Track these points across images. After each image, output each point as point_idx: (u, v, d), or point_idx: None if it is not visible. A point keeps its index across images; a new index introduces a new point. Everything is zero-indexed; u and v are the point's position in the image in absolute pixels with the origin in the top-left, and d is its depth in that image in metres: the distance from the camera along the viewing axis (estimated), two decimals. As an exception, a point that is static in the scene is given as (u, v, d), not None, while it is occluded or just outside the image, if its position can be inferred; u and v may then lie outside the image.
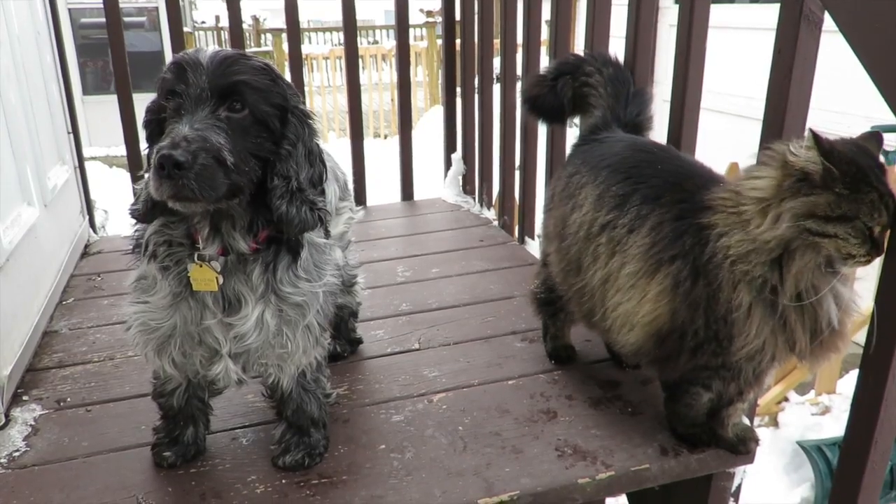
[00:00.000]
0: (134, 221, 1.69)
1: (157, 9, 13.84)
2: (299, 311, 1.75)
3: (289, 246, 1.73)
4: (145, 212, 1.63)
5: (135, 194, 1.67)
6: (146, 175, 1.58)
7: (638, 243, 1.70)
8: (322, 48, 15.46)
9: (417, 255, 3.45)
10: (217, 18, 20.47)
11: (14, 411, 2.28)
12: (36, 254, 2.77)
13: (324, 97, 13.11)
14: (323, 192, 2.00)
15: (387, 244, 3.61)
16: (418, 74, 13.60)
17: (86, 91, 13.08)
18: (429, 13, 15.28)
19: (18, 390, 2.41)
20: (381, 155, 7.22)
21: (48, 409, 2.31)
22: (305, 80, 12.63)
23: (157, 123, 1.61)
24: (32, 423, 2.24)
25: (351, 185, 4.46)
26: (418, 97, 13.17)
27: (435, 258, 3.41)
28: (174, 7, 3.74)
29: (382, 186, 5.22)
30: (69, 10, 12.83)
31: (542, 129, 3.51)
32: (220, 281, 1.66)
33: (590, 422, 2.12)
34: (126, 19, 12.57)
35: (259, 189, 1.59)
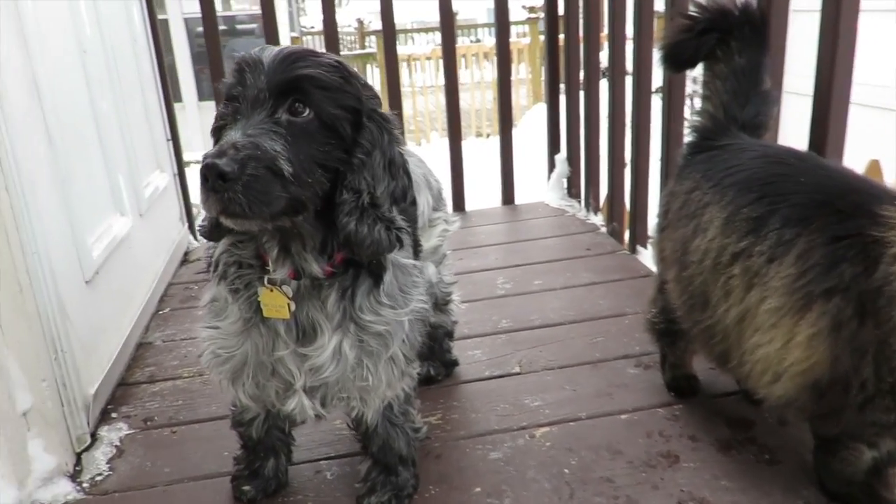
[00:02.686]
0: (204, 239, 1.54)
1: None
2: (381, 341, 1.54)
3: (369, 268, 1.54)
4: (210, 229, 1.48)
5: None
6: None
7: (781, 274, 1.41)
8: (424, 48, 15.44)
9: (518, 266, 3.26)
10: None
11: (101, 430, 2.22)
12: (129, 264, 2.73)
13: (426, 97, 13.06)
14: (412, 206, 1.80)
15: (486, 253, 3.41)
16: (520, 72, 13.33)
17: (201, 97, 13.58)
18: (531, 9, 15.00)
19: (108, 406, 2.35)
20: (483, 155, 6.99)
21: (135, 429, 2.23)
22: (408, 80, 12.63)
23: (219, 132, 1.46)
24: (118, 443, 2.17)
25: (448, 193, 4.30)
26: (521, 94, 12.89)
27: (537, 269, 3.22)
28: (270, 14, 3.65)
29: (483, 189, 5.01)
30: (185, 19, 13.34)
31: (655, 125, 3.20)
32: (293, 307, 1.49)
33: (718, 469, 1.83)
34: (238, 26, 12.94)
35: (330, 205, 1.42)
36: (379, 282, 1.57)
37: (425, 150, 10.50)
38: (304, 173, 1.30)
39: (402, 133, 1.59)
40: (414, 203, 2.01)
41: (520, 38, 13.91)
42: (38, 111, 2.06)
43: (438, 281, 2.22)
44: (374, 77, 12.82)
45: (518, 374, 2.40)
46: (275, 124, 1.32)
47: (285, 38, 11.90)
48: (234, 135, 1.29)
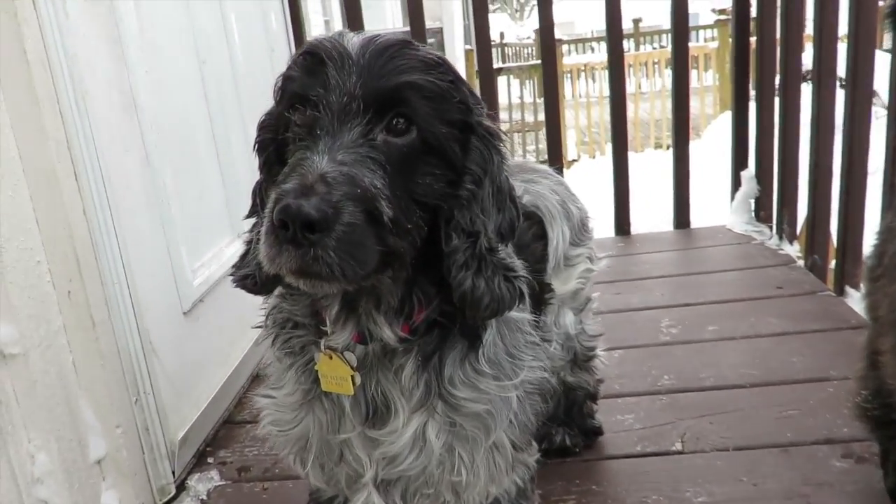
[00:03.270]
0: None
1: (441, 30, 14.30)
2: (480, 423, 1.22)
3: (462, 328, 1.16)
4: (256, 283, 1.16)
5: (245, 252, 1.21)
6: (259, 228, 1.11)
7: None
8: (601, 56, 14.83)
9: (689, 305, 2.81)
10: (501, 35, 20.87)
11: (191, 479, 2.01)
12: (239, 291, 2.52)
13: (602, 107, 12.49)
14: (536, 242, 1.40)
15: (650, 287, 2.94)
16: (706, 79, 12.39)
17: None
18: (721, 11, 13.99)
19: (206, 448, 2.14)
20: (662, 169, 6.35)
21: (226, 480, 2.01)
22: (583, 90, 12.12)
23: (275, 147, 1.14)
24: (204, 496, 1.94)
25: (610, 212, 3.80)
26: (706, 102, 11.96)
27: (713, 310, 2.75)
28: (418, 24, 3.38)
29: (656, 209, 4.43)
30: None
31: (876, 134, 2.55)
32: (358, 380, 1.17)
33: None
34: (410, 39, 13.11)
35: (421, 250, 1.11)
36: (477, 344, 1.21)
37: (599, 164, 9.94)
38: (403, 216, 1.05)
39: (508, 149, 1.21)
40: (541, 238, 1.60)
41: (707, 42, 12.97)
42: (134, 126, 1.88)
43: (579, 332, 1.79)
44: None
45: (679, 452, 1.90)
46: (371, 148, 1.03)
47: (459, 52, 11.84)
48: (319, 162, 0.99)
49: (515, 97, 11.59)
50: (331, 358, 1.16)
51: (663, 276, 3.13)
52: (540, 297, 1.49)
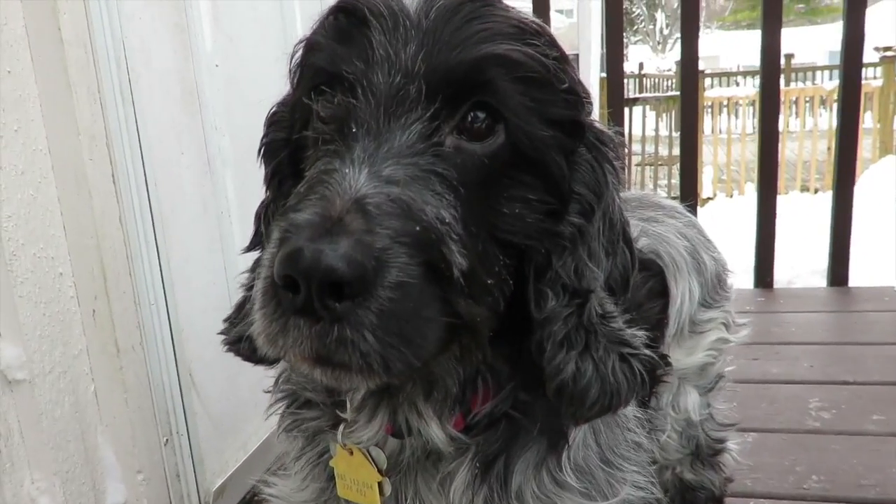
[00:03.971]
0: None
1: (577, 56, 13.97)
2: None
3: (542, 421, 0.87)
4: (249, 349, 0.86)
5: (242, 302, 0.92)
6: (259, 270, 0.82)
7: None
8: (746, 90, 13.98)
9: (846, 384, 2.33)
10: (641, 65, 20.25)
11: None
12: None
13: (744, 144, 11.71)
14: (654, 301, 1.06)
15: (794, 354, 2.51)
16: (865, 120, 11.38)
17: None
18: (885, 49, 12.90)
19: (253, 498, 1.86)
20: (806, 214, 5.69)
21: None
22: (724, 125, 11.41)
23: (289, 152, 0.84)
24: None
25: (750, 261, 3.29)
26: (864, 146, 10.94)
27: (878, 394, 2.24)
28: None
29: (801, 260, 3.86)
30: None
31: None
32: (388, 490, 0.88)
33: None
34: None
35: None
36: (560, 444, 0.89)
37: (737, 204, 9.22)
38: (481, 266, 0.75)
39: (624, 166, 0.86)
40: (660, 295, 1.22)
41: (868, 80, 11.93)
42: (196, 125, 1.66)
43: (704, 419, 1.40)
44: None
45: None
46: (437, 158, 0.74)
47: (594, 79, 11.45)
48: (354, 177, 0.69)
49: (650, 129, 11.07)
50: (351, 454, 0.85)
51: (813, 342, 2.65)
52: (652, 378, 1.11)
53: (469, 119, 0.75)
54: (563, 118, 0.79)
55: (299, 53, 0.83)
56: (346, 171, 0.70)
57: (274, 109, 0.91)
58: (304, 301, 0.63)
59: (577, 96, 0.81)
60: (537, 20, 0.81)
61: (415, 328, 0.66)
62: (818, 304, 3.00)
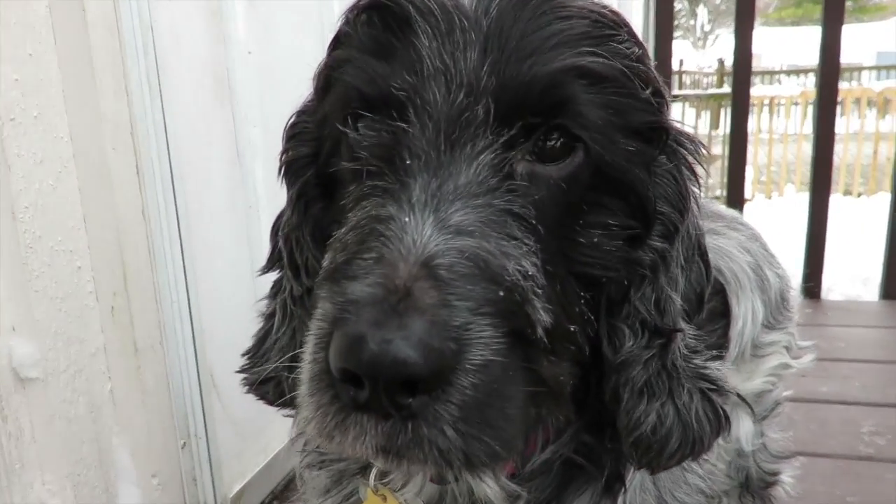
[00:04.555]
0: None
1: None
2: None
3: (599, 463, 0.78)
4: (283, 392, 0.78)
5: (264, 335, 0.83)
6: (283, 295, 0.74)
7: None
8: (790, 89, 13.64)
9: None
10: (681, 62, 19.92)
11: None
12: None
13: (786, 145, 11.44)
14: (718, 324, 0.97)
15: (847, 374, 2.41)
16: (913, 122, 11.03)
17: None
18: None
19: (273, 502, 1.80)
20: (847, 218, 5.47)
21: None
22: (765, 125, 11.14)
23: (316, 171, 0.75)
24: None
25: (798, 268, 3.15)
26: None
27: None
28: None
29: (838, 266, 3.69)
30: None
31: None
32: None
33: None
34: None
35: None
36: (616, 488, 0.80)
37: (775, 205, 9.00)
38: (564, 315, 0.66)
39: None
40: (722, 316, 1.12)
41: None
42: (226, 115, 1.59)
43: (757, 449, 1.28)
44: (728, 120, 11.61)
45: None
46: (510, 192, 0.63)
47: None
48: (417, 228, 0.59)
49: (688, 128, 10.85)
50: (385, 500, 0.76)
51: (865, 360, 2.53)
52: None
53: (546, 142, 0.65)
54: (646, 125, 0.69)
55: (326, 63, 0.72)
56: (406, 219, 0.59)
57: (294, 120, 0.80)
58: (369, 398, 0.53)
59: (661, 97, 0.71)
60: (611, 8, 0.70)
61: (500, 411, 0.57)
62: (870, 319, 2.86)
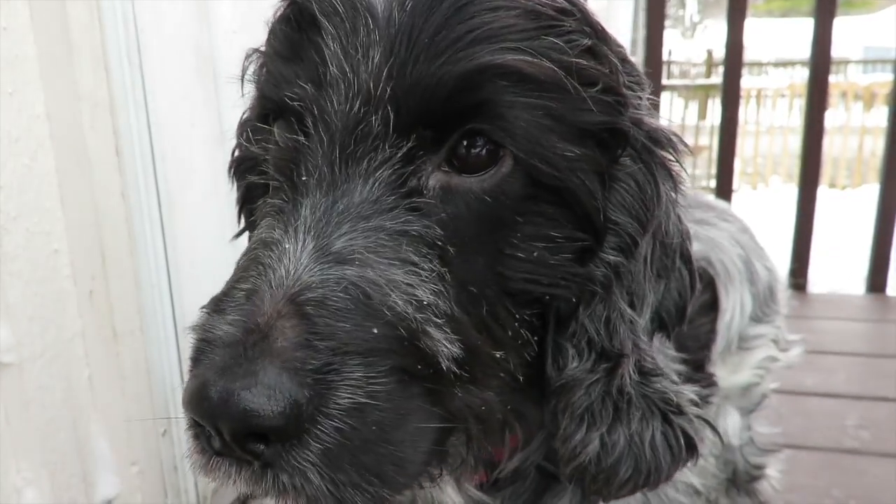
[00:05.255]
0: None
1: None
2: None
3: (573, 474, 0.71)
4: None
5: None
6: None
7: None
8: (778, 81, 13.67)
9: (887, 400, 2.17)
10: (669, 52, 19.92)
11: None
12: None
13: (772, 137, 11.48)
14: (703, 317, 0.95)
15: (832, 367, 2.41)
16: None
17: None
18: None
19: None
20: (832, 212, 5.51)
21: None
22: (752, 117, 11.17)
23: (247, 185, 0.75)
24: None
25: (785, 259, 3.15)
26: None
27: None
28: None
29: (831, 262, 3.71)
30: None
31: None
32: None
33: None
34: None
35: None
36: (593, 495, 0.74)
37: (760, 197, 9.04)
38: (488, 339, 0.61)
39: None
40: (710, 309, 1.10)
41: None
42: (210, 95, 1.55)
43: (745, 443, 1.27)
44: (716, 111, 11.65)
45: None
46: (410, 211, 0.58)
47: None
48: (293, 254, 0.55)
49: (676, 118, 10.87)
50: None
51: (850, 353, 2.52)
52: (702, 399, 0.99)
53: (461, 147, 0.59)
54: (595, 126, 0.63)
55: (249, 65, 0.69)
56: (287, 245, 0.55)
57: (247, 115, 0.75)
58: (222, 446, 0.51)
59: (616, 94, 0.64)
60: None
61: (383, 455, 0.53)
62: (856, 312, 2.86)
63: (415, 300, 0.55)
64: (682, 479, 0.85)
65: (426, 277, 0.56)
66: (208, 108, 1.54)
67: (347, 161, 0.57)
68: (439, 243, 0.57)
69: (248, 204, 0.76)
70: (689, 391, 0.71)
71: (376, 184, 0.57)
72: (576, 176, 0.61)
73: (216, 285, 1.57)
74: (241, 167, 0.76)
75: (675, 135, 0.71)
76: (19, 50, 1.15)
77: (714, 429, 0.75)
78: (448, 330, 0.56)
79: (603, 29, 0.66)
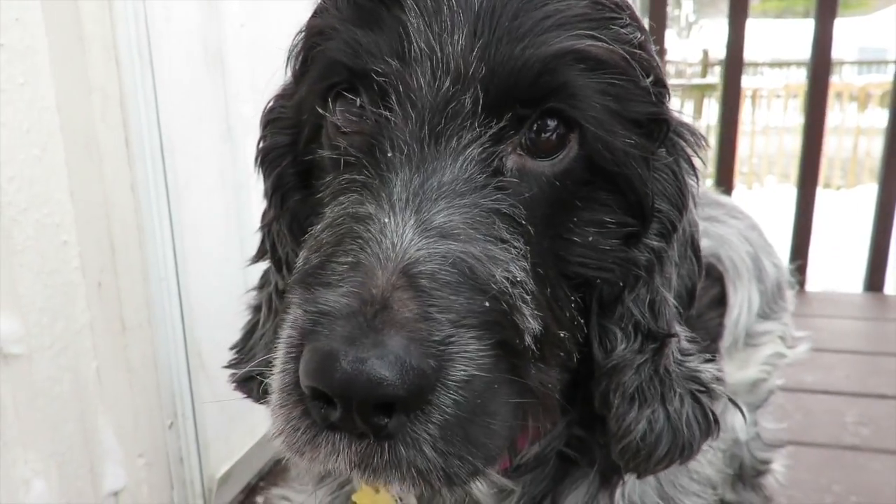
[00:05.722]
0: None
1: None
2: None
3: (592, 460, 0.77)
4: (260, 392, 0.75)
5: (251, 328, 0.81)
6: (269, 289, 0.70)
7: None
8: (773, 82, 13.70)
9: (885, 398, 2.19)
10: (664, 52, 20.00)
11: None
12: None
13: (768, 137, 11.51)
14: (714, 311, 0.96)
15: (832, 364, 2.43)
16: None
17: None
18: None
19: (260, 483, 1.78)
20: (828, 212, 5.55)
21: None
22: (747, 117, 11.21)
23: (293, 160, 0.73)
24: None
25: (784, 257, 3.15)
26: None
27: None
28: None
29: (830, 260, 3.73)
30: None
31: None
32: None
33: None
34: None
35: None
36: (614, 480, 0.77)
37: (755, 197, 9.10)
38: (554, 320, 0.62)
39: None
40: (719, 304, 1.11)
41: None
42: (217, 89, 1.55)
43: (752, 438, 1.28)
44: (712, 111, 11.67)
45: None
46: (499, 190, 0.59)
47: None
48: (396, 230, 0.55)
49: (687, 119, 10.92)
50: (377, 492, 0.74)
51: (848, 351, 2.54)
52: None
53: (535, 130, 0.61)
54: (646, 116, 0.65)
55: (302, 38, 0.68)
56: (386, 219, 0.55)
57: (271, 104, 0.76)
58: (341, 418, 0.50)
59: (663, 87, 0.67)
60: None
61: (483, 427, 0.54)
62: (854, 311, 2.87)
63: (511, 276, 0.56)
64: (698, 470, 0.85)
65: (516, 255, 0.58)
66: (215, 101, 1.54)
67: (437, 139, 0.58)
68: (523, 223, 0.59)
69: (281, 190, 0.75)
70: (713, 369, 0.74)
71: (466, 162, 0.58)
72: (631, 162, 0.64)
73: (223, 278, 1.58)
74: (271, 156, 0.75)
75: (697, 130, 0.73)
76: (31, 41, 1.15)
77: (738, 406, 0.77)
78: (533, 307, 0.58)
79: (646, 29, 0.69)
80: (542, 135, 0.61)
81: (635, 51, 0.64)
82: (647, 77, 0.65)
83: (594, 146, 0.61)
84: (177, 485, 1.50)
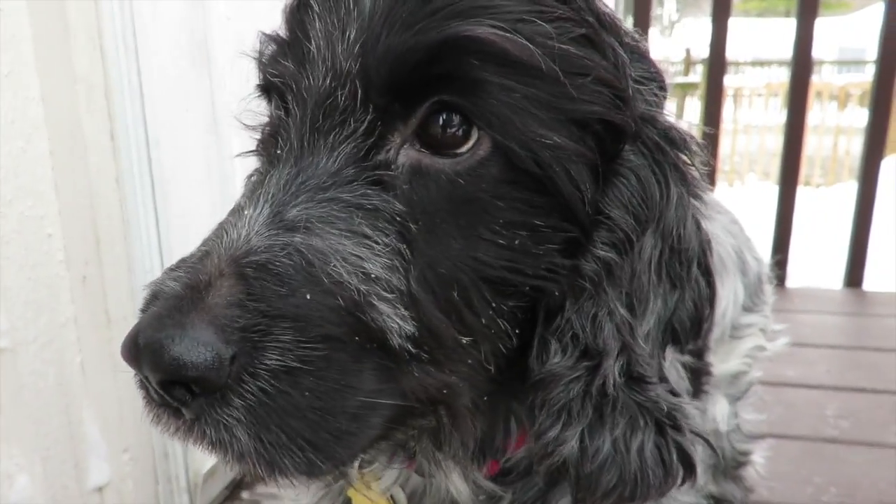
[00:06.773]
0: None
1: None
2: None
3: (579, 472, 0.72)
4: None
5: None
6: None
7: None
8: (755, 81, 13.82)
9: (864, 391, 2.22)
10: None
11: None
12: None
13: (749, 135, 11.61)
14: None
15: (812, 359, 2.46)
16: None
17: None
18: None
19: (245, 479, 1.77)
20: (808, 210, 5.61)
21: None
22: (729, 115, 11.30)
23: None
24: None
25: (765, 254, 3.19)
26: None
27: None
28: None
29: (809, 256, 3.77)
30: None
31: None
32: None
33: None
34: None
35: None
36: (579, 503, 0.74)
37: (736, 194, 9.17)
38: (457, 322, 0.60)
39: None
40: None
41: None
42: (203, 81, 1.54)
43: (732, 430, 1.29)
44: (694, 110, 11.75)
45: None
46: (370, 185, 0.58)
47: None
48: (249, 220, 0.57)
49: (681, 122, 10.98)
50: (368, 488, 0.75)
51: (829, 345, 2.56)
52: (697, 388, 1.01)
53: (436, 126, 0.58)
54: (587, 117, 0.61)
55: (261, 55, 0.70)
56: (247, 212, 0.56)
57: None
58: (155, 395, 0.53)
59: (612, 87, 0.62)
60: None
61: (321, 422, 0.53)
62: (833, 306, 2.90)
63: (361, 272, 0.55)
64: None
65: (379, 251, 0.56)
66: (201, 93, 1.53)
67: (315, 134, 0.58)
68: (399, 219, 0.57)
69: None
70: (690, 407, 0.69)
71: (340, 157, 0.58)
72: (558, 164, 0.60)
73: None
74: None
75: (691, 136, 0.69)
76: (15, 31, 1.13)
77: (710, 372, 0.75)
78: (400, 306, 0.56)
79: (613, 21, 0.65)
80: (446, 130, 0.58)
81: (561, 46, 0.59)
82: (584, 76, 0.61)
83: (507, 145, 0.58)
84: (162, 480, 1.49)
